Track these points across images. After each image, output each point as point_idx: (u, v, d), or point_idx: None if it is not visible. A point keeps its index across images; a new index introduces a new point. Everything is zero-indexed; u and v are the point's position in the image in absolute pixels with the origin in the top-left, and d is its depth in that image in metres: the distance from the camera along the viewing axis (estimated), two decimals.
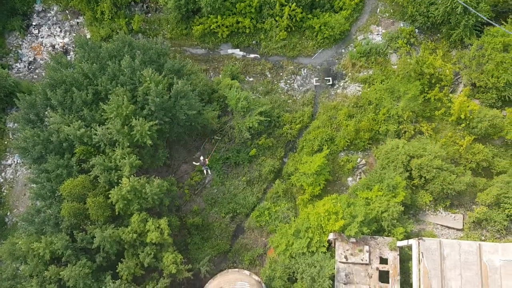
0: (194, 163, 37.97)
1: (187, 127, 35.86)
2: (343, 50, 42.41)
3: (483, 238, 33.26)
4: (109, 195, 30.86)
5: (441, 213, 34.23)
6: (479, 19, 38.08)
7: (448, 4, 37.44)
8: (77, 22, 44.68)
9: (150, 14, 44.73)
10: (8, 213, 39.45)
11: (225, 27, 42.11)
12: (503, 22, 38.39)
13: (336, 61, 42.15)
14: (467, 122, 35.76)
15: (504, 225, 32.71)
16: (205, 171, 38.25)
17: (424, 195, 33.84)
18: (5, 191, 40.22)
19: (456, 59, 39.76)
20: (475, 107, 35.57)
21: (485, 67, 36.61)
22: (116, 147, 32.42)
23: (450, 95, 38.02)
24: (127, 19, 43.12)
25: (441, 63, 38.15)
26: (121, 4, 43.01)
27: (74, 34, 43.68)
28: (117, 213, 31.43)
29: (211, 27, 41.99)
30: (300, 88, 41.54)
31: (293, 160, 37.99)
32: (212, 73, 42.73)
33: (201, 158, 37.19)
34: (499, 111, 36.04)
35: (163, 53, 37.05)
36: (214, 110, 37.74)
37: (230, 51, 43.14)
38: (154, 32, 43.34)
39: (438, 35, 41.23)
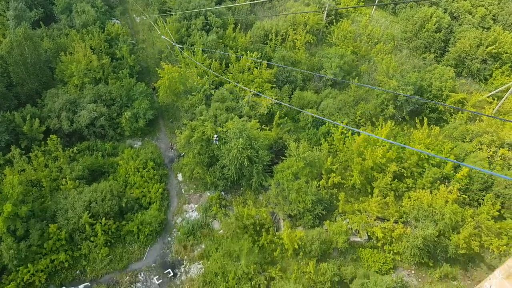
0: None
1: None
2: (169, 239, 42.79)
3: None
4: None
5: None
6: (265, 163, 44.02)
7: (236, 162, 42.47)
8: None
9: None
10: None
11: (41, 272, 38.50)
12: (282, 158, 45.06)
13: (168, 251, 41.99)
14: (303, 249, 38.65)
15: None
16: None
17: None
18: None
19: (265, 202, 44.14)
20: (301, 233, 39.06)
21: (290, 198, 41.35)
22: None
23: (277, 233, 41.17)
24: None
25: (256, 210, 41.65)
26: None
27: None
28: None
29: (25, 279, 37.85)
30: None
31: None
32: None
33: None
34: (320, 228, 40.27)
35: None
36: None
37: None
38: None
39: (241, 189, 45.73)
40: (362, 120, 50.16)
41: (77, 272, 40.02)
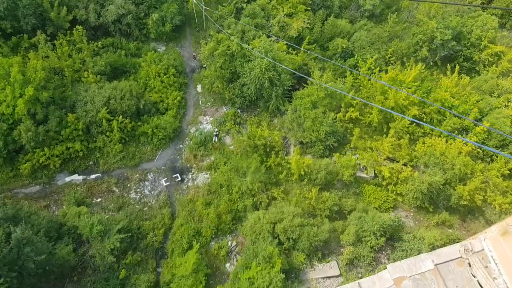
0: None
1: (40, 275, 32.04)
2: (181, 146, 43.86)
3: (360, 275, 35.77)
4: None
5: (318, 266, 36.15)
6: (286, 88, 43.61)
7: (257, 82, 42.13)
8: None
9: None
10: None
11: (56, 157, 40.30)
12: (304, 84, 44.53)
13: (178, 157, 43.24)
14: (308, 176, 39.38)
15: (372, 257, 35.92)
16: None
17: (298, 255, 35.51)
18: None
19: (279, 126, 44.36)
20: (309, 161, 39.62)
21: (304, 125, 41.42)
22: None
23: (286, 157, 41.81)
24: None
25: (269, 132, 42.00)
26: None
27: None
28: None
29: (40, 161, 39.76)
30: (152, 192, 41.14)
31: (167, 267, 36.55)
32: (54, 207, 39.74)
33: None
34: (329, 159, 40.74)
35: None
36: (67, 245, 34.68)
37: (67, 179, 41.00)
38: None
39: (258, 109, 45.81)
40: (393, 59, 48.56)
41: (90, 162, 41.75)
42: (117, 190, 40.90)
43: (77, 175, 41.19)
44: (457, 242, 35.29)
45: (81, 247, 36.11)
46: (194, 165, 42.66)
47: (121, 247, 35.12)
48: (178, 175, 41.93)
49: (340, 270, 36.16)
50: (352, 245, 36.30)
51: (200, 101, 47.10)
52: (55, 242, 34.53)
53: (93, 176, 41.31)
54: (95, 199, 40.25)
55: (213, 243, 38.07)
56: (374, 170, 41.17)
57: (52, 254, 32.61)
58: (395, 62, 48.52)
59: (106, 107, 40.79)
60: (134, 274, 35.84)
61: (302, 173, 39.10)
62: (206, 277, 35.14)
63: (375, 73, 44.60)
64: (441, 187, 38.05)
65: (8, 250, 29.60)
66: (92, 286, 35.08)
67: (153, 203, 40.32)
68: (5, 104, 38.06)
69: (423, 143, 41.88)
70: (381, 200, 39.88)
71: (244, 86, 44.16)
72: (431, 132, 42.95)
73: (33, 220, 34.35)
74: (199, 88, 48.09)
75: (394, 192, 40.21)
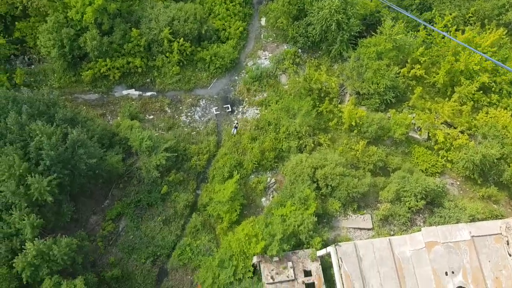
0: None
1: (90, 176, 34.29)
2: (236, 78, 43.87)
3: (392, 233, 35.79)
4: (13, 265, 28.43)
5: (351, 216, 36.36)
6: (353, 33, 41.85)
7: (323, 23, 40.62)
8: None
9: (33, 66, 42.75)
10: None
11: (116, 69, 41.54)
12: (373, 33, 42.54)
13: (232, 88, 43.41)
14: (358, 128, 38.65)
15: (408, 217, 35.62)
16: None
17: (333, 202, 35.75)
18: None
19: (338, 72, 43.11)
20: (363, 113, 38.65)
21: (364, 75, 40.05)
22: (13, 210, 30.03)
23: (339, 105, 40.96)
24: (8, 74, 40.62)
25: (326, 77, 40.98)
26: None
27: None
28: (25, 282, 28.89)
29: (101, 71, 41.16)
30: (202, 118, 41.97)
31: (206, 190, 38.01)
32: (109, 117, 41.60)
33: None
34: (383, 114, 39.56)
35: (52, 103, 35.45)
36: (118, 154, 36.63)
37: (125, 92, 42.44)
38: (40, 84, 41.36)
39: (319, 52, 44.50)
40: (473, 19, 44.94)
41: (147, 80, 42.81)
42: (169, 111, 42.01)
43: (134, 90, 42.49)
44: (500, 218, 34.18)
45: (129, 158, 38.01)
46: (246, 99, 42.78)
47: (166, 165, 36.63)
48: (229, 106, 42.31)
49: (373, 224, 36.22)
50: (390, 202, 35.98)
51: (262, 35, 46.26)
52: (106, 149, 36.49)
53: (148, 94, 42.47)
54: (147, 116, 41.65)
55: (252, 176, 38.87)
56: (428, 133, 39.70)
57: (103, 160, 34.56)
58: (474, 23, 44.95)
59: (169, 27, 40.95)
60: (175, 192, 37.57)
61: (353, 123, 38.35)
62: (241, 206, 36.41)
63: (450, 31, 41.72)
64: (495, 161, 36.36)
65: (63, 149, 31.58)
66: (135, 196, 37.23)
67: (201, 128, 41.22)
68: (74, 10, 39.08)
69: (487, 113, 39.63)
70: (429, 163, 38.77)
71: (310, 26, 42.72)
72: (497, 103, 40.40)
73: (88, 125, 36.21)
74: (263, 21, 47.09)
75: (445, 158, 38.90)
